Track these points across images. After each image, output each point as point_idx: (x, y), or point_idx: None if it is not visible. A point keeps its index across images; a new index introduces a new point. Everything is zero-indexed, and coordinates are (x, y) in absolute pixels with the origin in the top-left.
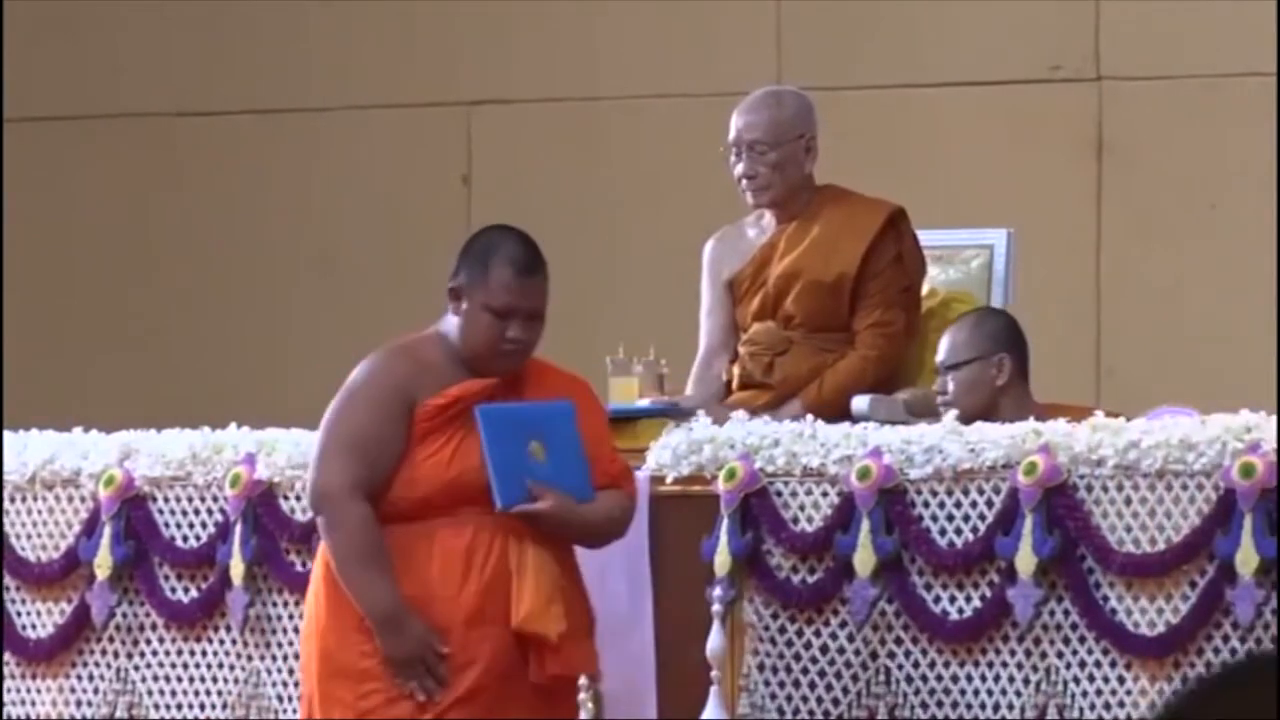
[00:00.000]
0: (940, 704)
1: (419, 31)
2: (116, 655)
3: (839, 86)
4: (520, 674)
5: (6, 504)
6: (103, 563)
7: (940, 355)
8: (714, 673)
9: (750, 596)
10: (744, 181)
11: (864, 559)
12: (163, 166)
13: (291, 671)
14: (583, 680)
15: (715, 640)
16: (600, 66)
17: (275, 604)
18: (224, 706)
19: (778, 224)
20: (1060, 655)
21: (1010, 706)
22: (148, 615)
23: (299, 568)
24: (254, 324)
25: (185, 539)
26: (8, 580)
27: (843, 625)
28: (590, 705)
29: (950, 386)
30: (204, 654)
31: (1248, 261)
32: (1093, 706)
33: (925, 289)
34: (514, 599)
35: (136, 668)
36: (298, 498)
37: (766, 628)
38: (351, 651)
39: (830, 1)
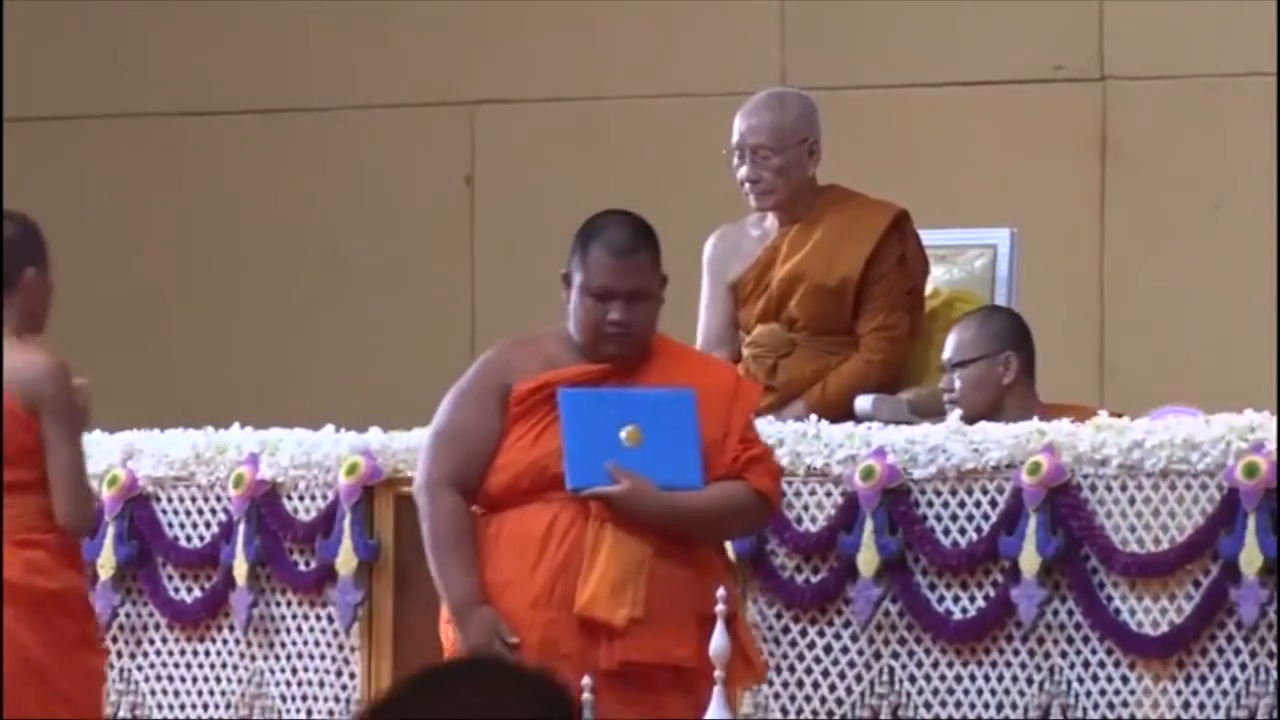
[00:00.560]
0: (944, 704)
1: (422, 31)
2: (120, 655)
3: (843, 86)
4: (594, 659)
5: None
6: (106, 563)
7: (946, 353)
8: (717, 673)
9: (754, 596)
10: (747, 185)
11: (868, 559)
12: (165, 166)
13: (294, 671)
14: (586, 680)
15: (718, 640)
16: (604, 66)
17: (278, 604)
18: (227, 706)
19: (780, 226)
20: (1064, 655)
21: (1014, 706)
22: (151, 615)
23: (302, 568)
24: (257, 324)
25: (188, 539)
26: None
27: (846, 625)
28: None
29: (956, 384)
30: (207, 654)
31: (1251, 261)
32: (1096, 706)
33: (928, 289)
34: (580, 582)
35: (140, 668)
36: (300, 498)
37: (770, 627)
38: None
39: (834, 1)
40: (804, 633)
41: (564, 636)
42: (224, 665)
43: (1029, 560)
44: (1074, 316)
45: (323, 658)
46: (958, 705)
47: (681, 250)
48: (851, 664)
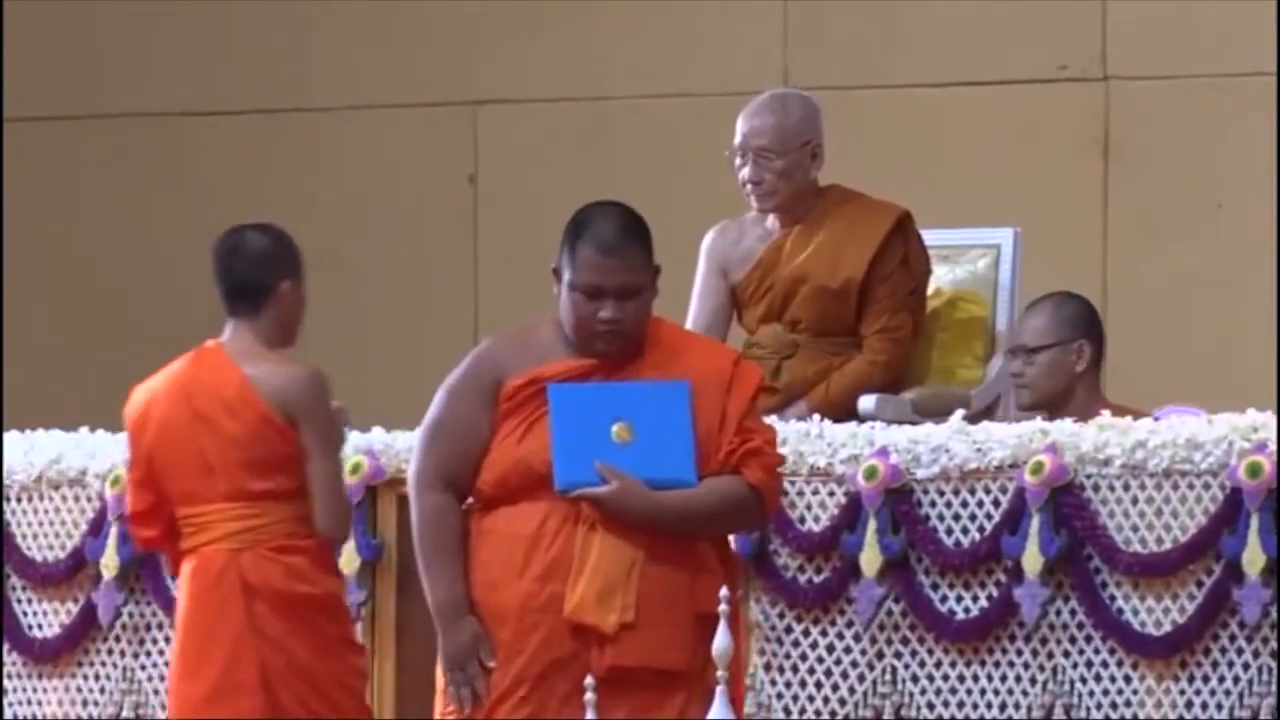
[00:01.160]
0: (946, 704)
1: (425, 31)
2: (123, 655)
3: (845, 86)
4: (584, 665)
5: (14, 504)
6: (109, 562)
7: (1019, 338)
8: (720, 673)
9: (757, 596)
10: (749, 187)
11: (870, 559)
12: (168, 166)
13: None
14: (588, 680)
15: (721, 640)
16: (607, 66)
17: None
18: None
19: (782, 227)
20: (1067, 655)
21: (1016, 706)
22: (154, 615)
23: None
24: None
25: None
26: (14, 580)
27: (849, 625)
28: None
29: (1026, 369)
30: None
31: (1254, 261)
32: (1099, 706)
33: (931, 288)
34: (569, 587)
35: (143, 667)
36: None
37: (773, 627)
38: None
39: (837, 2)
40: (806, 633)
41: (556, 640)
42: None
43: (1032, 560)
44: None
45: None
46: (960, 705)
47: (683, 250)
48: (854, 664)
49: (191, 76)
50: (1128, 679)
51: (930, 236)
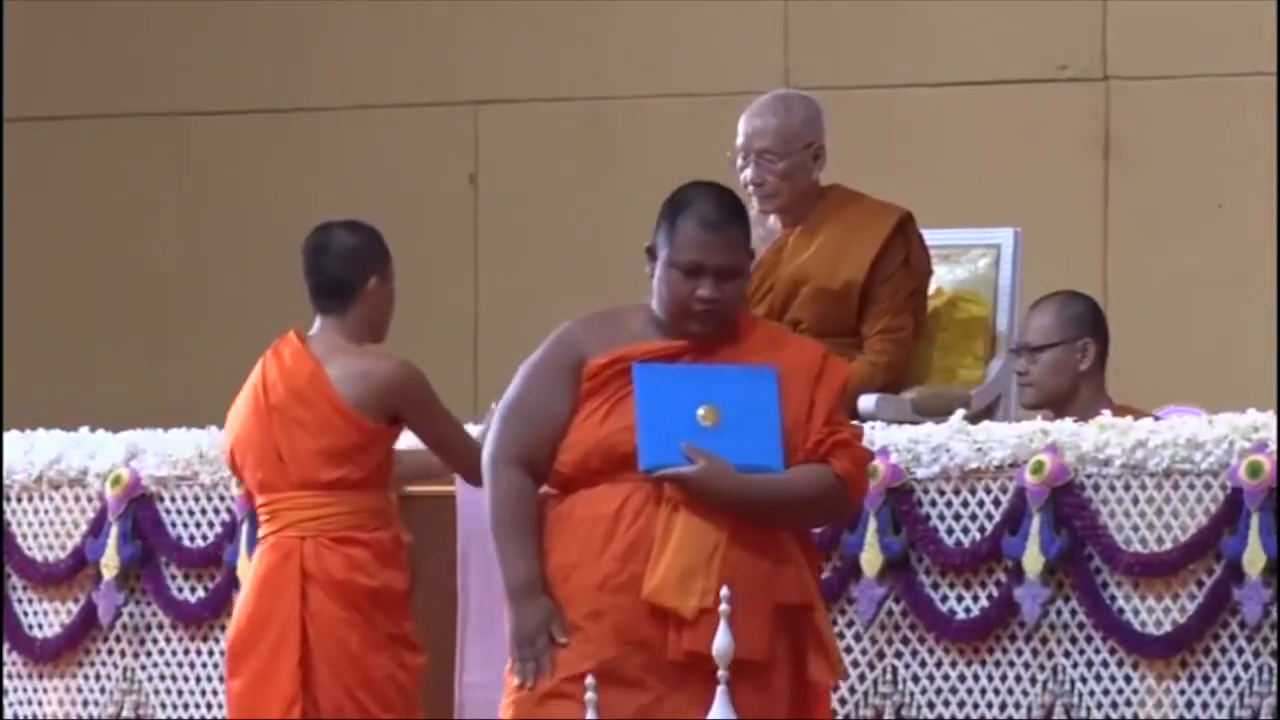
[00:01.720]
0: (947, 703)
1: (426, 31)
2: (123, 655)
3: (846, 86)
4: (661, 649)
5: (14, 504)
6: (109, 562)
7: (1024, 336)
8: (721, 672)
9: None
10: (751, 188)
11: (871, 558)
12: (168, 166)
13: None
14: (590, 679)
15: (722, 639)
16: (607, 66)
17: None
18: None
19: (783, 227)
20: (1067, 655)
21: (1017, 706)
22: (154, 615)
23: None
24: (260, 324)
25: (192, 538)
26: (15, 580)
27: (850, 625)
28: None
29: (1031, 368)
30: (210, 654)
31: (1254, 261)
32: (1099, 706)
33: (931, 288)
34: (649, 569)
35: (143, 667)
36: None
37: None
38: None
39: (838, 1)
40: None
41: (634, 622)
42: None
43: (1032, 560)
44: None
45: None
46: (961, 705)
47: None
48: (855, 663)
49: (191, 76)
50: (1128, 679)
51: (931, 236)
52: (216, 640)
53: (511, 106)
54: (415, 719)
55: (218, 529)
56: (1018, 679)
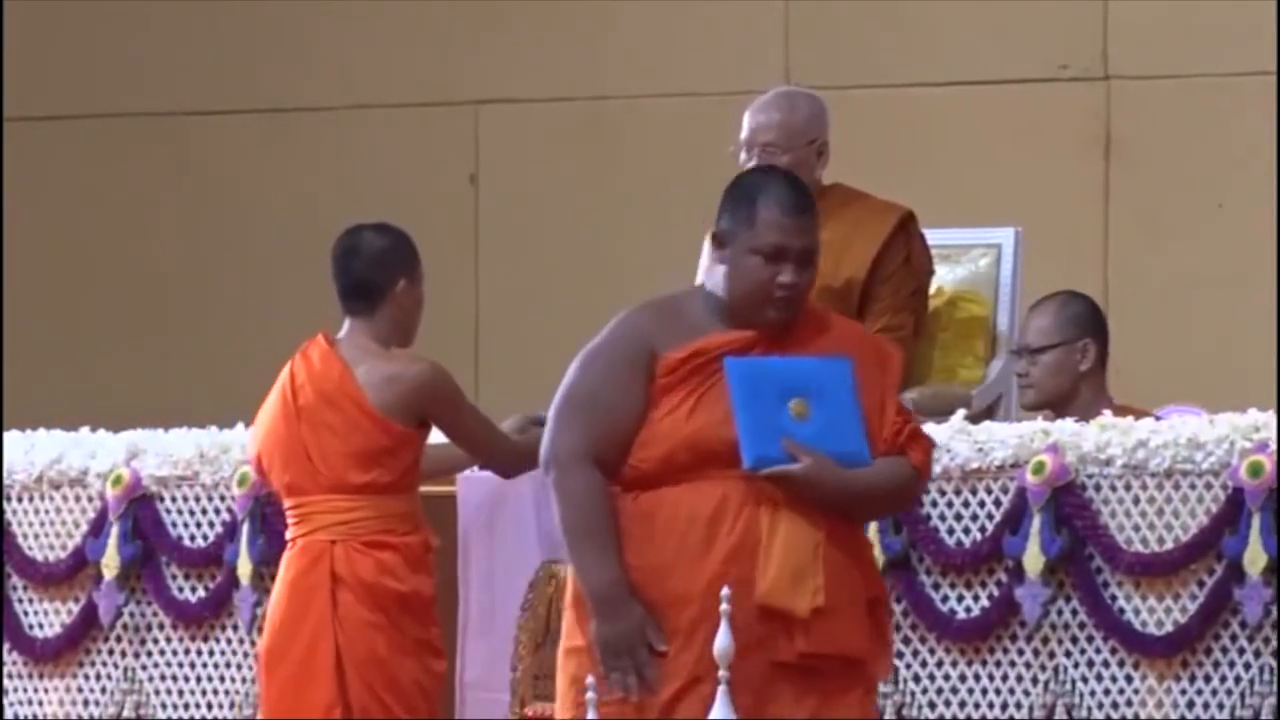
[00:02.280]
0: (948, 703)
1: (426, 31)
2: (124, 655)
3: (847, 86)
4: (773, 650)
5: (14, 504)
6: (110, 562)
7: (1024, 338)
8: (721, 672)
9: None
10: None
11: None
12: (168, 166)
13: None
14: (590, 679)
15: (723, 639)
16: (608, 66)
17: None
18: (231, 706)
19: None
20: (1068, 654)
21: (1018, 706)
22: (155, 615)
23: None
24: (261, 323)
25: (192, 538)
26: (15, 580)
27: None
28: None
29: (1031, 369)
30: (211, 654)
31: (1255, 260)
32: (1100, 706)
33: (932, 288)
34: (759, 570)
35: (144, 667)
36: None
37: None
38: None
39: (838, 1)
40: None
41: (746, 626)
42: (228, 665)
43: (1033, 560)
44: None
45: None
46: (962, 705)
47: (687, 250)
48: None
49: (191, 76)
50: (1129, 679)
51: (931, 236)
52: (217, 640)
53: (512, 106)
54: None
55: (218, 529)
56: (1019, 679)
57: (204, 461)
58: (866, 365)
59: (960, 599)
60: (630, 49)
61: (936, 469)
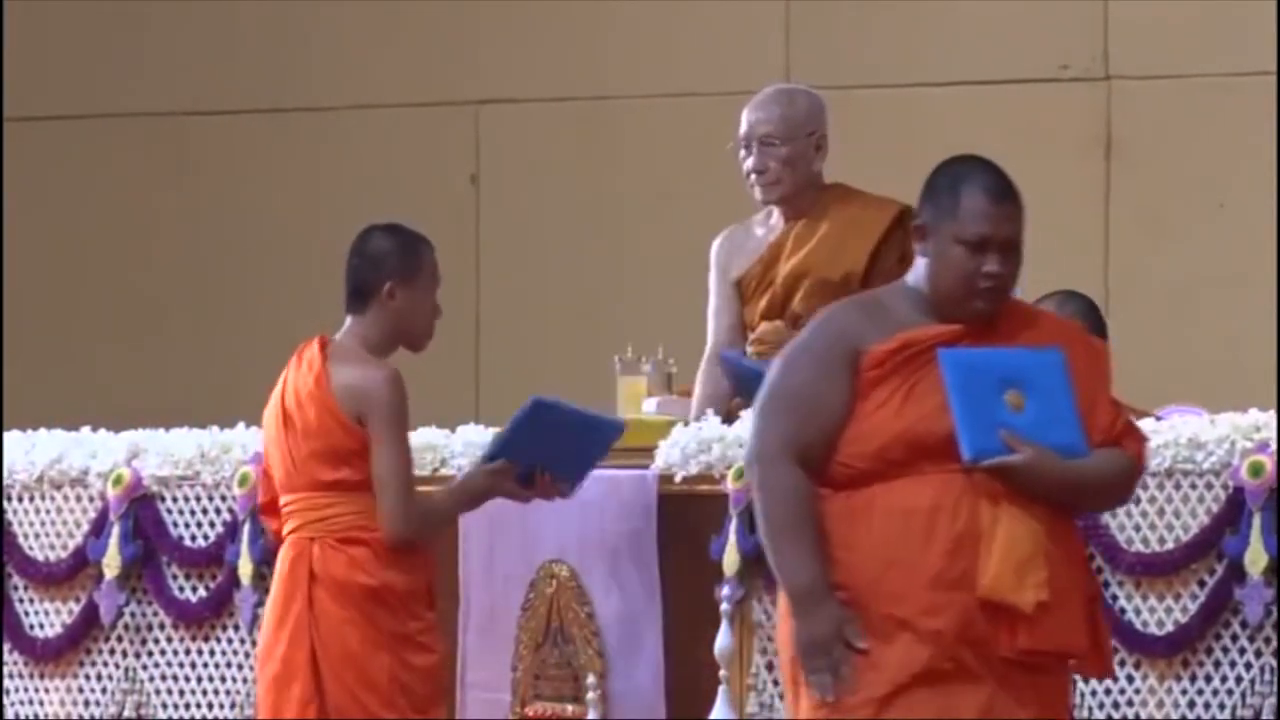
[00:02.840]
0: None
1: (427, 31)
2: (124, 655)
3: (847, 85)
4: (994, 645)
5: (15, 503)
6: (111, 562)
7: None
8: (722, 672)
9: (759, 596)
10: (753, 176)
11: None
12: (169, 166)
13: None
14: (590, 679)
15: (724, 639)
16: (609, 66)
17: None
18: (232, 706)
19: (785, 222)
20: None
21: None
22: (156, 615)
23: None
24: (262, 323)
25: (193, 538)
26: (16, 580)
27: None
28: (599, 704)
29: None
30: (212, 653)
31: (1255, 260)
32: (1101, 705)
33: None
34: (981, 564)
35: (145, 667)
36: None
37: (775, 627)
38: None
39: (839, 1)
40: None
41: (970, 620)
42: (229, 665)
43: None
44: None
45: None
46: None
47: (688, 249)
48: None
49: (192, 76)
50: (1130, 678)
51: None
52: (218, 640)
53: (512, 106)
54: (427, 718)
55: (219, 529)
56: None
57: (205, 461)
58: (1076, 358)
59: None
60: (630, 49)
61: None
